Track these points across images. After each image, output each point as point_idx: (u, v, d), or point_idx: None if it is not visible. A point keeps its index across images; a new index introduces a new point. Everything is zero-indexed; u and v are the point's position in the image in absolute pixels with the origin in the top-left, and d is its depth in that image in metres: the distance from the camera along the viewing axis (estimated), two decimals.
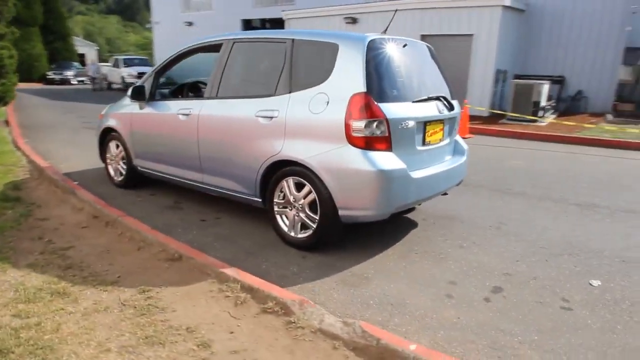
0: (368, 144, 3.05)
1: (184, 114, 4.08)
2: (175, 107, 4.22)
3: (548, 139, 9.23)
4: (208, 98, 3.96)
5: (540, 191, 5.31)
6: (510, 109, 11.82)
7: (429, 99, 3.51)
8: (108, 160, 5.21)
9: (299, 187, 3.37)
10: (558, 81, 14.32)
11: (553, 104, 13.26)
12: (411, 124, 3.26)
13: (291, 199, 3.41)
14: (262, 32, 3.87)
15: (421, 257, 3.38)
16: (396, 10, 5.01)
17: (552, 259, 3.40)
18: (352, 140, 3.06)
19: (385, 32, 3.67)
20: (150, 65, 23.07)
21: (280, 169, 3.43)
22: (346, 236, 3.60)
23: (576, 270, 3.22)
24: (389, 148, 3.13)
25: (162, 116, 4.34)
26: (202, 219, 4.11)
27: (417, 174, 3.28)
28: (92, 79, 21.87)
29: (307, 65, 3.36)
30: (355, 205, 3.12)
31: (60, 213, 4.10)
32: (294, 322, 2.29)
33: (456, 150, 4.05)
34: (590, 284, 3.00)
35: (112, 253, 3.21)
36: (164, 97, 4.71)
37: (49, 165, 5.52)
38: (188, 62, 4.59)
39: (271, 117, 3.41)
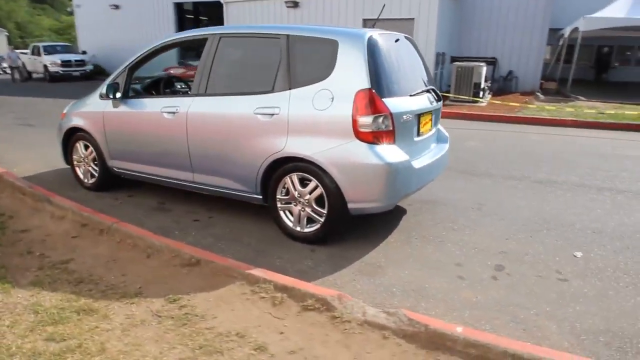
0: (375, 138, 3.17)
1: (169, 112, 3.93)
2: (157, 105, 4.05)
3: (492, 119, 9.88)
4: (196, 95, 3.85)
5: (503, 171, 5.74)
6: (452, 90, 12.46)
7: (422, 91, 3.68)
8: (75, 162, 4.90)
9: (304, 182, 3.43)
10: (491, 62, 15.24)
11: (489, 85, 14.13)
12: (411, 117, 3.42)
13: (296, 194, 3.46)
14: (249, 27, 3.80)
15: (422, 242, 3.58)
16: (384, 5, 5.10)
17: (535, 234, 3.76)
18: (359, 135, 3.15)
19: (374, 25, 3.76)
20: (75, 52, 21.40)
21: (283, 165, 3.46)
22: (345, 226, 3.72)
23: (558, 243, 3.58)
24: (393, 141, 3.27)
25: (141, 115, 4.15)
26: (195, 219, 4.04)
27: (416, 164, 3.45)
28: (12, 69, 19.86)
29: (306, 62, 3.38)
30: (364, 197, 3.24)
31: (40, 223, 3.83)
32: (338, 317, 2.39)
33: (439, 138, 4.29)
34: (575, 256, 3.37)
35: (120, 263, 3.09)
36: (139, 94, 4.50)
37: (5, 171, 5.07)
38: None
39: (272, 114, 3.41)
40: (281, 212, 3.59)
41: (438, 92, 3.99)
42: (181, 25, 20.35)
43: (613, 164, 6.12)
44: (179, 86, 4.92)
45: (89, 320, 2.38)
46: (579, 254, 3.39)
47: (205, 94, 3.80)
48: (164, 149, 4.06)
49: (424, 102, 3.66)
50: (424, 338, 2.21)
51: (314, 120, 3.26)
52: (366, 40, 3.27)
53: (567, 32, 16.81)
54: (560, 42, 17.42)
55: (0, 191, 4.62)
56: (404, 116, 3.34)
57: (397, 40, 3.64)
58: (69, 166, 5.04)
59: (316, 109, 3.25)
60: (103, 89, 4.18)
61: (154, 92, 4.73)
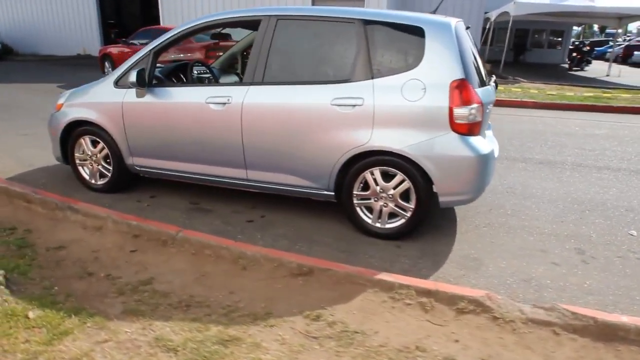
0: (469, 129, 3.11)
1: (217, 103, 3.52)
2: (200, 94, 3.60)
3: None
4: (250, 84, 3.48)
5: (502, 152, 6.00)
6: None
7: (488, 81, 3.67)
8: (78, 161, 4.23)
9: (386, 176, 3.28)
10: None
11: None
12: (490, 107, 3.41)
13: (378, 189, 3.30)
14: (311, 9, 3.47)
15: (492, 230, 3.63)
16: None
17: (582, 216, 3.98)
18: (454, 127, 3.07)
19: (435, 12, 3.66)
20: None
21: (362, 159, 3.27)
22: None
23: (608, 224, 3.83)
24: (479, 132, 3.23)
25: (178, 106, 3.67)
26: (248, 220, 3.71)
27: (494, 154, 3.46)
28: None
29: (390, 50, 3.19)
30: (456, 190, 3.19)
31: (73, 236, 3.26)
32: (500, 318, 2.34)
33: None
34: (631, 234, 3.64)
35: (214, 278, 2.74)
36: (165, 83, 3.97)
37: None
38: None
39: (354, 105, 3.19)
40: (358, 209, 3.42)
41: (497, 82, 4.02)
42: (102, 4, 18.38)
43: (591, 143, 6.68)
44: (196, 72, 4.41)
45: (243, 351, 2.08)
46: (634, 233, 3.66)
47: (262, 83, 3.45)
48: (209, 144, 3.64)
49: (492, 92, 3.66)
50: (595, 331, 2.24)
51: (405, 112, 3.11)
52: (453, 28, 3.16)
53: (493, 15, 17.95)
54: (487, 26, 18.56)
55: None
56: (488, 107, 3.32)
57: (468, 28, 3.57)
58: (67, 165, 4.35)
59: (407, 99, 3.10)
60: (130, 76, 3.61)
61: (175, 80, 4.21)
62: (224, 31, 9.33)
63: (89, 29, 18.74)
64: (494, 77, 3.86)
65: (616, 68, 20.15)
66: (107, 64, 11.36)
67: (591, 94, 10.94)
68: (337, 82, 3.27)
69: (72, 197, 3.91)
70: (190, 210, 3.88)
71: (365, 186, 3.36)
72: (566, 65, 20.45)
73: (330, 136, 3.27)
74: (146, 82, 3.69)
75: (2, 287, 2.53)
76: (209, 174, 3.77)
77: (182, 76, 4.35)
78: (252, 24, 3.72)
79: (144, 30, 11.24)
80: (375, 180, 3.30)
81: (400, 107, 3.11)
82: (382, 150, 3.20)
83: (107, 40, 18.76)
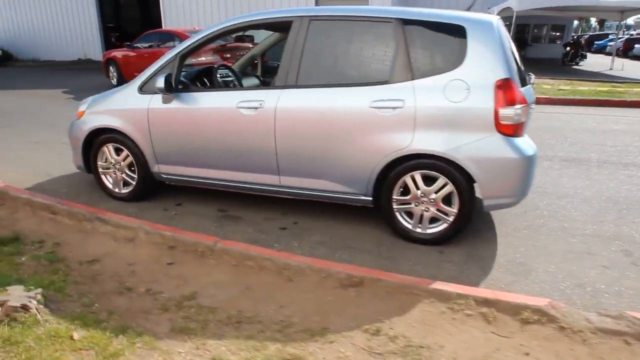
0: (514, 130, 3.01)
1: (249, 108, 3.42)
2: (229, 99, 3.49)
3: None
4: (283, 87, 3.37)
5: (543, 152, 5.89)
6: None
7: (528, 80, 3.57)
8: (101, 170, 4.12)
9: (427, 180, 3.18)
10: None
11: None
12: (533, 107, 3.31)
13: (419, 193, 3.20)
14: (343, 8, 3.36)
15: (532, 233, 3.54)
16: None
17: (621, 215, 3.89)
18: (500, 128, 2.97)
19: (469, 9, 3.55)
20: None
21: (402, 163, 3.17)
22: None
23: None
24: (523, 133, 3.14)
25: (207, 111, 3.56)
26: (281, 227, 3.60)
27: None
28: None
29: (429, 50, 3.09)
30: (502, 193, 3.09)
31: (105, 249, 3.15)
32: (567, 328, 2.24)
33: None
34: None
35: (260, 291, 2.63)
36: (191, 87, 3.86)
37: (4, 185, 4.12)
38: None
39: (394, 108, 3.09)
40: (397, 214, 3.32)
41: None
42: (101, 8, 18.21)
43: (612, 139, 6.59)
44: (219, 76, 4.30)
45: None
46: None
47: (296, 86, 3.34)
48: (240, 150, 3.53)
49: (533, 91, 3.56)
50: None
51: (448, 114, 3.01)
52: (495, 26, 3.07)
53: (495, 11, 17.87)
54: None
55: (14, 211, 3.74)
56: (531, 107, 3.23)
57: (507, 25, 3.47)
58: (89, 174, 4.24)
59: (450, 101, 3.00)
60: (157, 81, 3.50)
61: (199, 84, 4.10)
62: (247, 33, 9.23)
63: (90, 34, 18.57)
64: (532, 76, 3.76)
65: (619, 61, 20.11)
66: (111, 69, 11.22)
67: (604, 89, 10.85)
68: (375, 84, 3.16)
69: (97, 207, 3.81)
70: (220, 219, 3.77)
71: (405, 191, 3.26)
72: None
73: (369, 140, 3.17)
74: (173, 87, 3.58)
75: (41, 306, 2.42)
76: (240, 180, 3.67)
77: (205, 80, 4.24)
78: (282, 26, 3.61)
79: (149, 34, 11.10)
80: (416, 184, 3.20)
81: (443, 109, 3.01)
82: (423, 154, 3.10)
83: (107, 44, 18.60)
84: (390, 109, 3.10)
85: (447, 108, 3.01)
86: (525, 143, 3.08)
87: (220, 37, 3.67)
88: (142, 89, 3.80)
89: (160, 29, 11.70)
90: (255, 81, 4.87)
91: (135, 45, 10.92)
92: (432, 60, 3.08)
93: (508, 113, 2.94)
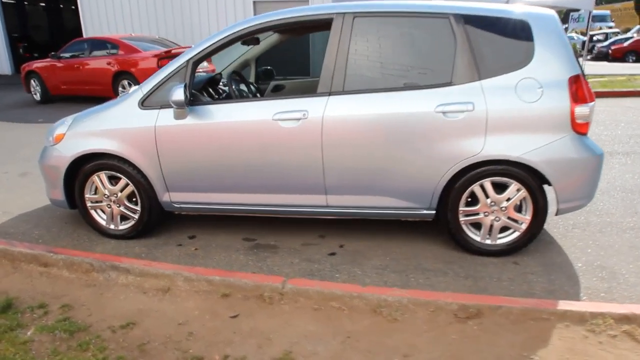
0: (587, 129, 2.86)
1: (289, 119, 2.94)
2: (262, 110, 2.99)
3: None
4: (328, 94, 2.94)
5: None
6: None
7: None
8: (90, 204, 3.37)
9: (496, 187, 2.94)
10: None
11: None
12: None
13: (488, 202, 2.95)
14: (392, 4, 2.99)
15: (585, 231, 3.43)
16: None
17: None
18: (575, 128, 2.81)
19: (508, 1, 3.38)
20: None
21: (470, 171, 2.90)
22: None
23: None
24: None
25: (233, 126, 3.02)
26: (330, 253, 3.16)
27: None
28: None
29: (494, 47, 2.84)
30: (577, 195, 2.93)
31: (138, 306, 2.50)
32: None
33: None
34: None
35: (365, 339, 2.18)
36: (204, 99, 3.27)
37: None
38: None
39: (463, 111, 2.80)
40: (464, 226, 3.04)
41: None
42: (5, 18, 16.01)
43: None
44: (234, 85, 3.71)
45: None
46: None
47: (343, 92, 2.93)
48: (277, 169, 3.04)
49: None
50: None
51: (522, 115, 2.78)
52: (557, 20, 2.90)
53: None
54: None
55: None
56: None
57: None
58: (72, 210, 3.47)
59: (524, 101, 2.78)
60: (172, 93, 2.88)
61: (212, 96, 3.51)
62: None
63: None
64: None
65: None
66: (33, 82, 9.79)
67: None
68: (437, 86, 2.86)
69: (92, 251, 3.10)
70: (251, 249, 3.23)
71: (474, 200, 2.99)
72: None
73: (436, 148, 2.85)
74: (188, 99, 2.99)
75: None
76: (276, 204, 3.16)
77: (211, 90, 3.66)
78: (319, 24, 3.19)
79: (77, 42, 9.84)
80: (485, 192, 2.94)
81: (517, 110, 2.78)
82: (496, 160, 2.84)
83: (15, 56, 16.43)
84: (459, 112, 2.81)
85: (521, 109, 2.78)
86: (594, 142, 2.95)
87: (241, 39, 3.14)
88: (144, 104, 3.15)
89: (91, 37, 10.44)
90: (243, 88, 4.33)
91: (62, 55, 9.63)
92: (498, 58, 2.84)
93: (584, 111, 2.78)
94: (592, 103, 2.82)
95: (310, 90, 4.42)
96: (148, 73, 8.63)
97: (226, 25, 13.47)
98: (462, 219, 3.02)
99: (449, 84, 2.85)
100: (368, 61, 2.97)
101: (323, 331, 2.25)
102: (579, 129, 2.81)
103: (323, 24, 3.09)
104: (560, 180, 2.84)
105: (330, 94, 2.95)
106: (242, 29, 3.08)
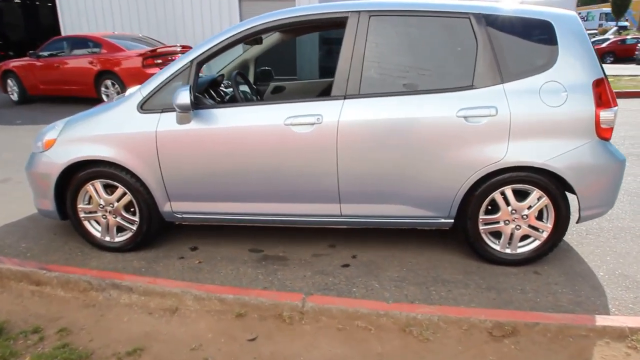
0: (611, 134, 2.77)
1: (303, 124, 2.77)
2: (273, 114, 2.81)
3: None
4: (343, 97, 2.79)
5: None
6: None
7: None
8: (84, 215, 3.14)
9: (517, 195, 2.83)
10: None
11: None
12: None
13: (509, 210, 2.84)
14: (410, 3, 2.83)
15: (600, 238, 3.36)
16: None
17: None
18: (600, 133, 2.71)
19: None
20: None
21: (491, 178, 2.78)
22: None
23: None
24: None
25: (242, 132, 2.83)
26: (343, 265, 3.01)
27: None
28: None
29: (517, 49, 2.72)
30: (600, 202, 2.84)
31: (145, 328, 2.30)
32: None
33: None
34: None
35: None
36: (207, 102, 3.07)
37: None
38: None
39: (486, 116, 2.68)
40: (484, 235, 2.92)
41: None
42: None
43: None
44: (224, 87, 3.53)
45: None
46: None
47: (359, 95, 2.78)
48: (289, 177, 2.86)
49: None
50: None
51: (546, 120, 2.67)
52: (580, 21, 2.81)
53: None
54: None
55: None
56: None
57: None
58: (63, 221, 3.23)
59: (548, 105, 2.67)
60: (177, 96, 2.68)
61: (214, 99, 3.31)
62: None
63: None
64: None
65: None
66: (10, 82, 9.34)
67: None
68: (458, 90, 2.73)
69: (86, 267, 2.88)
70: (259, 261, 3.05)
71: (494, 208, 2.87)
72: None
73: (457, 154, 2.72)
74: (193, 103, 2.79)
75: None
76: (287, 213, 2.99)
77: (213, 93, 3.46)
78: (331, 23, 3.02)
79: (56, 40, 9.43)
80: (506, 200, 2.83)
81: (541, 115, 2.67)
82: (519, 166, 2.73)
83: None
84: (482, 117, 2.68)
85: (546, 113, 2.67)
86: (615, 147, 2.87)
87: (247, 38, 2.96)
88: (143, 107, 2.94)
89: (73, 35, 10.04)
90: (245, 89, 4.14)
91: (41, 54, 9.21)
92: (521, 60, 2.73)
93: (608, 116, 2.69)
94: (616, 108, 2.73)
95: (314, 92, 4.28)
96: (132, 73, 8.36)
97: (211, 23, 13.18)
98: (481, 227, 2.90)
99: (471, 87, 2.72)
100: (385, 63, 2.82)
101: (351, 354, 2.09)
102: (603, 134, 2.72)
103: (335, 23, 2.93)
104: (583, 187, 2.75)
105: (345, 97, 2.79)
106: (249, 28, 2.89)
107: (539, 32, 2.74)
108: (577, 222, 2.93)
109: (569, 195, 2.81)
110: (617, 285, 2.73)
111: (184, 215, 3.09)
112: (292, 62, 12.53)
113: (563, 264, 2.98)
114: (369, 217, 2.95)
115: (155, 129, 2.90)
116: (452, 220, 2.92)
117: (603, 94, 2.70)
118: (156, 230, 3.17)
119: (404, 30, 2.81)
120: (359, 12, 2.82)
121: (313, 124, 2.77)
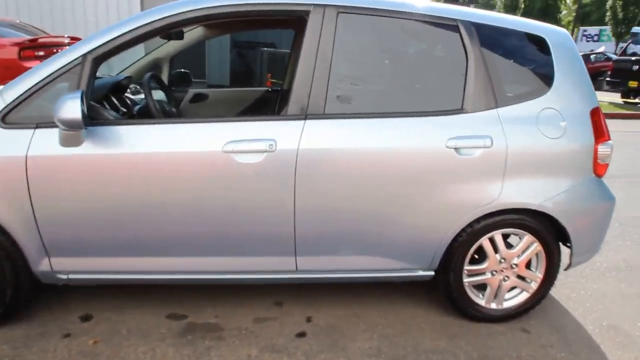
0: (605, 172, 2.43)
1: (251, 151, 2.03)
2: (210, 137, 2.03)
3: None
4: (306, 117, 2.10)
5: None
6: None
7: None
8: None
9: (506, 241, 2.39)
10: None
11: None
12: None
13: (497, 258, 2.37)
14: (389, 2, 2.22)
15: (582, 277, 3.06)
16: None
17: (627, 231, 3.77)
18: (597, 170, 2.36)
19: None
20: None
21: (480, 222, 2.29)
22: None
23: None
24: None
25: (161, 160, 2.01)
26: (298, 334, 2.31)
27: None
28: None
29: (511, 66, 2.26)
30: (590, 247, 2.49)
31: None
32: None
33: None
34: None
35: None
36: (108, 116, 2.17)
37: None
38: None
39: (479, 147, 2.17)
40: (468, 289, 2.42)
41: None
42: None
43: None
44: (132, 94, 2.63)
45: None
46: None
47: (325, 115, 2.12)
48: (228, 222, 2.10)
49: None
50: None
51: (545, 153, 2.24)
52: (571, 38, 2.44)
53: None
54: None
55: None
56: None
57: None
58: None
59: (547, 137, 2.24)
60: (61, 108, 1.77)
61: (117, 110, 2.40)
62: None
63: None
64: None
65: None
66: None
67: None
68: (446, 114, 2.19)
69: None
70: (184, 334, 2.23)
71: (481, 258, 2.39)
72: None
73: (446, 193, 2.18)
74: (86, 116, 1.90)
75: None
76: (223, 270, 2.21)
77: (115, 101, 2.54)
78: (286, 18, 2.31)
79: None
80: (495, 247, 2.36)
81: (540, 147, 2.23)
82: (514, 208, 2.27)
83: None
84: (475, 149, 2.17)
85: (544, 146, 2.24)
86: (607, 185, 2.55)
87: (166, 29, 2.12)
88: (6, 120, 1.97)
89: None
90: (161, 95, 3.27)
91: None
92: (516, 81, 2.27)
93: (605, 151, 2.34)
94: (611, 142, 2.40)
95: (251, 105, 3.52)
96: (6, 66, 6.74)
97: (107, 11, 11.54)
98: (465, 280, 2.40)
99: (460, 110, 2.20)
100: (358, 74, 2.19)
101: None
102: (599, 171, 2.37)
103: (291, 19, 2.24)
104: (578, 232, 2.37)
105: (306, 117, 2.10)
106: (170, 16, 2.07)
107: (534, 49, 2.32)
108: (565, 269, 2.56)
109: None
110: (612, 342, 2.40)
111: (70, 276, 2.15)
112: (201, 64, 11.44)
113: (547, 315, 2.60)
114: (333, 272, 2.29)
115: (26, 153, 1.95)
116: (433, 273, 2.37)
117: (599, 125, 2.34)
118: (27, 297, 2.19)
119: (380, 34, 2.21)
120: (324, 6, 2.15)
121: (264, 151, 2.04)
